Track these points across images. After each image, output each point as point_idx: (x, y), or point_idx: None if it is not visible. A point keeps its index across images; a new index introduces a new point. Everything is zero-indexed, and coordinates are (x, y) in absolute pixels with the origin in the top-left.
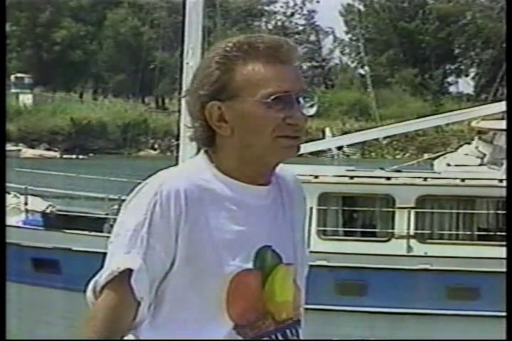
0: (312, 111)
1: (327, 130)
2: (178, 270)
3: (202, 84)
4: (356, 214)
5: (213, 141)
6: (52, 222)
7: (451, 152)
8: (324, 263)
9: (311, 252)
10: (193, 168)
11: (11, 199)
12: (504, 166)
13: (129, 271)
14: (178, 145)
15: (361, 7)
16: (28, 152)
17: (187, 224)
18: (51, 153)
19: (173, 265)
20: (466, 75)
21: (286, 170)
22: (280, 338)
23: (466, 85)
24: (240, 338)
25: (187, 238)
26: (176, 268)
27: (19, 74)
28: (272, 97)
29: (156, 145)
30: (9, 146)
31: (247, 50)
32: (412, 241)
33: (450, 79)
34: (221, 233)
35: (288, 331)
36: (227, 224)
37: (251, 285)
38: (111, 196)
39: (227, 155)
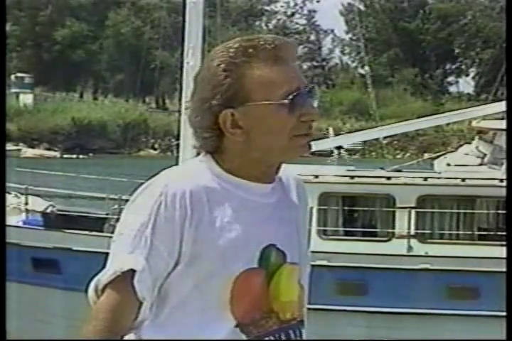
0: (315, 103)
1: (330, 130)
2: (182, 269)
3: (213, 93)
4: (357, 213)
5: (220, 145)
6: (52, 221)
7: (452, 152)
8: (324, 263)
9: (312, 252)
10: (196, 168)
11: (11, 199)
12: (504, 166)
13: (131, 271)
14: (178, 145)
15: (361, 7)
16: (28, 152)
17: (192, 224)
18: (51, 153)
19: (177, 265)
20: (467, 75)
21: (288, 170)
22: (283, 338)
23: (466, 85)
24: (243, 336)
25: (192, 238)
26: (179, 267)
27: (19, 74)
28: (290, 97)
29: (156, 145)
30: (9, 146)
31: (252, 53)
32: (413, 241)
33: (450, 78)
34: (226, 232)
35: (291, 331)
36: (232, 223)
37: (255, 284)
38: (111, 196)
39: (231, 156)
